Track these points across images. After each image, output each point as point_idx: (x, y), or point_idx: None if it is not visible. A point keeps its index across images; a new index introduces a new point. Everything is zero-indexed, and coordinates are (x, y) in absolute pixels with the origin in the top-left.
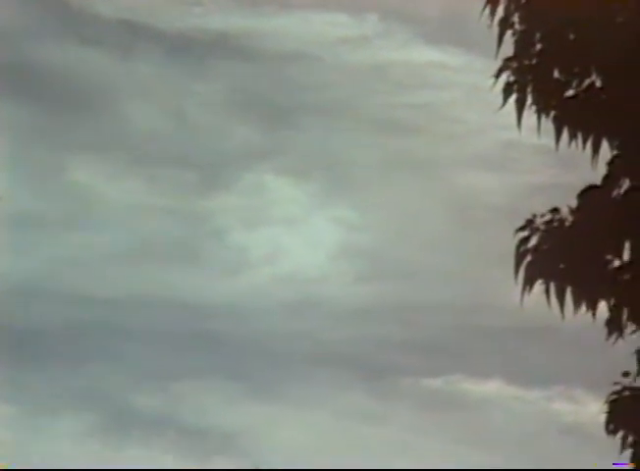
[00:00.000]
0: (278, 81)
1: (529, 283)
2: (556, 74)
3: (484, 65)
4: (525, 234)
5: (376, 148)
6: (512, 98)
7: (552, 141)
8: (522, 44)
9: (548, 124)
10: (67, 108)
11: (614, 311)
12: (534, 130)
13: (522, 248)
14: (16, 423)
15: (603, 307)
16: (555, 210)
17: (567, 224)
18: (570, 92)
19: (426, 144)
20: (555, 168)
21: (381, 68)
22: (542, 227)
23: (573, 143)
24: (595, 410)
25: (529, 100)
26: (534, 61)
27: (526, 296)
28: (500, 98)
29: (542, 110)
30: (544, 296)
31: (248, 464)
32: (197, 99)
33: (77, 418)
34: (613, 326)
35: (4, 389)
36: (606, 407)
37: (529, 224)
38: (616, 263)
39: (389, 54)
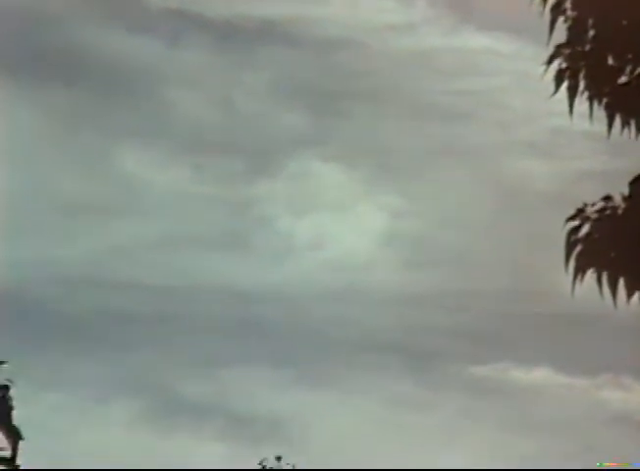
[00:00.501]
0: (325, 68)
1: (580, 272)
2: (609, 60)
3: (534, 52)
4: (576, 222)
5: (423, 135)
6: (564, 85)
7: (602, 128)
8: (575, 30)
9: (599, 110)
10: (115, 95)
11: None
12: (584, 117)
13: (573, 238)
14: (67, 410)
15: None
16: (607, 198)
17: (619, 212)
18: (623, 79)
19: (474, 131)
20: (604, 155)
21: (429, 54)
22: (593, 215)
23: (625, 131)
24: None
25: (581, 87)
26: (587, 47)
27: (576, 284)
28: (550, 85)
29: (594, 97)
30: (594, 284)
31: (297, 451)
32: (244, 87)
33: (126, 405)
34: None
35: (56, 376)
36: None
37: (579, 213)
38: None
39: (437, 40)
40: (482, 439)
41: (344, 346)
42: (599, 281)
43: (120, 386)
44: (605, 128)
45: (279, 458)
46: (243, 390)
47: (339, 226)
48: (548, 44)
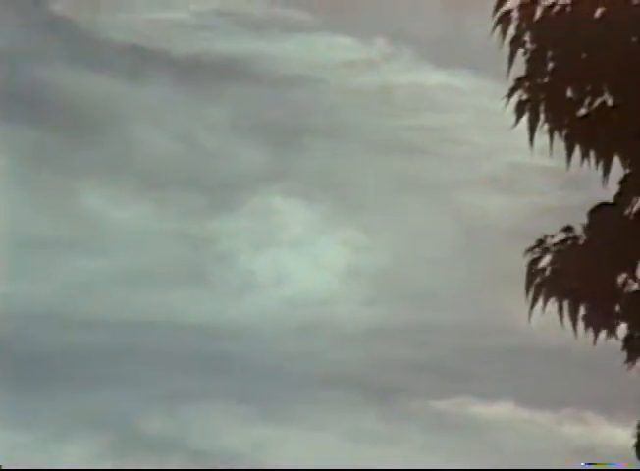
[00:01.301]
0: (285, 105)
1: (543, 300)
2: (568, 93)
3: (493, 88)
4: (537, 254)
5: (383, 171)
6: (524, 118)
7: (560, 163)
8: (534, 63)
9: (556, 145)
10: (76, 132)
11: (633, 331)
12: (543, 153)
13: (534, 268)
14: (29, 449)
15: (617, 328)
16: (568, 228)
17: (580, 242)
18: (583, 111)
19: (434, 167)
20: (563, 190)
21: (388, 90)
22: (553, 248)
23: (583, 165)
24: (606, 433)
25: (541, 119)
26: (546, 79)
27: (536, 318)
28: (510, 120)
29: (554, 128)
30: (554, 318)
31: None
32: (205, 123)
33: (88, 442)
34: (633, 347)
35: (16, 415)
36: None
37: (540, 244)
38: (633, 286)
39: (396, 77)
40: None
41: (306, 382)
42: (560, 310)
43: (80, 422)
44: (563, 163)
45: None
46: (205, 425)
47: (300, 261)
48: (507, 78)
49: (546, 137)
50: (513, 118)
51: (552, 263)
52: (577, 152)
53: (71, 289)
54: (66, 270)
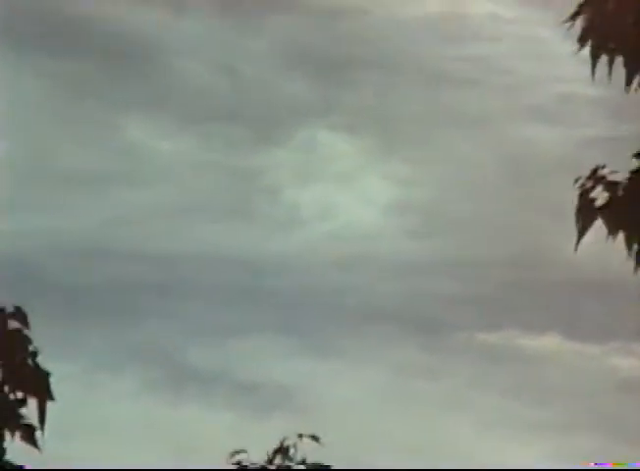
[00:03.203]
0: (329, 36)
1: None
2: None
3: (537, 15)
4: (589, 184)
5: (429, 102)
6: (565, 47)
7: (608, 93)
8: None
9: (602, 74)
10: (118, 65)
11: None
12: (588, 82)
13: (585, 198)
14: (75, 380)
15: None
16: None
17: (631, 171)
18: None
19: (479, 97)
20: (610, 120)
21: (432, 21)
22: (603, 178)
23: (632, 95)
24: None
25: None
26: (610, 5)
27: (583, 250)
28: (554, 49)
29: (617, 54)
30: (601, 251)
31: (305, 420)
32: (249, 55)
33: (134, 375)
34: None
35: (64, 347)
36: None
37: (593, 174)
38: None
39: (440, 7)
40: (491, 405)
41: (350, 315)
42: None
43: (128, 356)
44: (610, 93)
45: (300, 436)
46: (250, 358)
47: (345, 195)
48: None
49: (590, 67)
50: (560, 46)
51: (611, 191)
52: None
53: (116, 223)
54: (110, 203)
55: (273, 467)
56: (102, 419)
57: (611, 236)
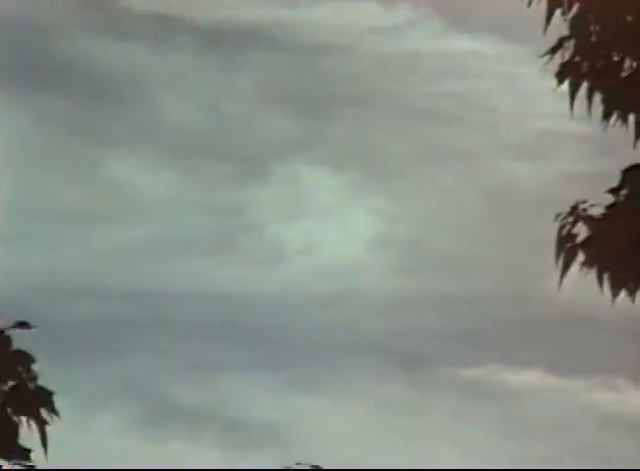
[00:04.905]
0: (311, 72)
1: (579, 265)
2: (613, 56)
3: (519, 52)
4: (569, 220)
5: (411, 138)
6: (547, 84)
7: (588, 129)
8: (577, 24)
9: (580, 110)
10: (101, 102)
11: None
12: (568, 118)
13: (565, 234)
14: (60, 416)
15: None
16: (612, 190)
17: (606, 207)
18: (624, 74)
19: (462, 134)
20: (591, 155)
21: (414, 57)
22: (584, 213)
23: (610, 131)
24: (637, 400)
25: (584, 83)
26: (593, 39)
27: (566, 286)
28: (535, 85)
29: (595, 90)
30: (583, 286)
31: (294, 457)
32: (231, 91)
33: (120, 412)
34: None
35: (48, 384)
36: None
37: (573, 210)
38: None
39: (422, 43)
40: (475, 441)
41: (336, 351)
42: (599, 275)
43: (114, 392)
44: (590, 129)
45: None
46: (238, 395)
47: (329, 230)
48: (544, 33)
49: (586, 98)
50: (541, 83)
51: (590, 226)
52: (601, 117)
53: (99, 260)
54: (94, 241)
55: None
56: (86, 456)
57: (588, 270)
